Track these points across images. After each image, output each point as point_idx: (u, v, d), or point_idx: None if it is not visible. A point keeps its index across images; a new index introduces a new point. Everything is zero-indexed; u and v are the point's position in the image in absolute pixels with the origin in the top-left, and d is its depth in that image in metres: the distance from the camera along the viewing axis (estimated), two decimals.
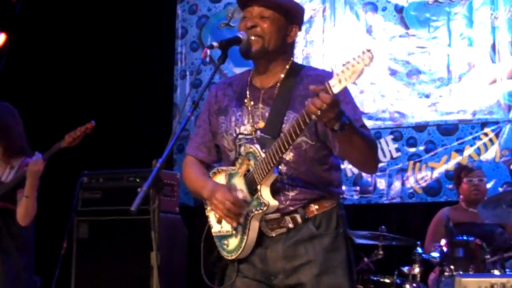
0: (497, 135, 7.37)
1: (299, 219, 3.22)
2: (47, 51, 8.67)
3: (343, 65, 2.78)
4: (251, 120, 3.30)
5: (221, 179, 3.34)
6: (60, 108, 8.48)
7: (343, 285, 3.21)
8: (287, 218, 3.22)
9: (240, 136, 3.30)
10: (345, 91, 3.07)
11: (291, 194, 3.21)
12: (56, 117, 8.29)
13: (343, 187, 7.56)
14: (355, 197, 7.75)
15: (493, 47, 7.50)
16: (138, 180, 6.25)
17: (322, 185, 3.27)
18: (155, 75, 8.73)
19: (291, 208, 3.21)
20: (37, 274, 5.80)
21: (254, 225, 3.19)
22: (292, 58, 3.42)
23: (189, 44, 8.78)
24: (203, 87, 3.25)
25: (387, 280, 6.06)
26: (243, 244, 3.20)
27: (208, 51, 3.20)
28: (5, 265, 5.24)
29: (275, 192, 3.17)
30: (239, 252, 3.22)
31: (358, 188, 7.74)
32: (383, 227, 6.23)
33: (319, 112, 2.81)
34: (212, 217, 3.36)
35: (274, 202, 3.14)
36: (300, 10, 3.42)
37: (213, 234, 3.36)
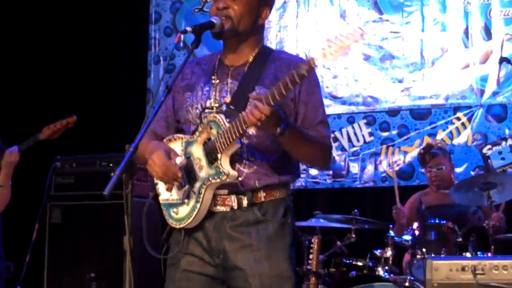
0: (469, 120, 7.44)
1: (244, 202, 3.20)
2: (17, 38, 8.61)
3: (329, 40, 2.80)
4: (218, 94, 3.29)
5: (176, 146, 3.30)
6: (32, 95, 8.44)
7: (285, 271, 3.19)
8: (233, 197, 3.19)
9: (206, 110, 3.28)
10: (307, 89, 3.20)
11: (246, 171, 3.19)
12: (28, 105, 8.27)
13: (316, 171, 7.68)
14: (328, 181, 7.80)
15: (466, 32, 7.56)
16: (111, 165, 6.25)
17: (278, 168, 3.25)
18: (128, 60, 8.70)
19: (241, 188, 3.19)
20: (10, 260, 5.80)
21: (209, 195, 3.15)
22: (262, 41, 3.43)
23: (163, 29, 8.77)
24: (176, 72, 3.26)
25: (359, 263, 6.09)
26: (195, 212, 3.16)
27: (182, 36, 3.21)
28: None
29: (231, 166, 3.15)
30: (189, 220, 3.17)
31: (331, 172, 7.77)
32: (356, 210, 6.26)
33: (259, 123, 2.89)
34: (161, 184, 3.32)
35: (234, 172, 3.12)
36: None
37: (161, 202, 3.33)
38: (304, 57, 3.08)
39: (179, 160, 3.12)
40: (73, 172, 6.43)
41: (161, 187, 3.34)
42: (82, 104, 8.14)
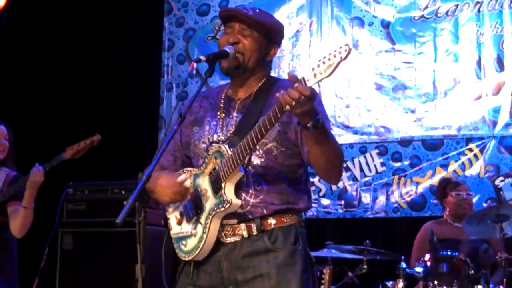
0: (481, 151, 7.41)
1: (254, 230, 3.19)
2: (34, 63, 8.66)
3: (319, 60, 2.82)
4: (224, 128, 3.31)
5: None
6: (46, 120, 8.46)
7: None
8: (243, 225, 3.19)
9: (213, 144, 3.29)
10: (318, 101, 3.13)
11: (252, 201, 3.19)
12: (41, 129, 8.28)
13: (327, 201, 7.66)
14: (340, 211, 7.77)
15: (479, 63, 7.55)
16: (123, 192, 6.25)
17: (286, 197, 3.24)
18: (141, 87, 8.74)
19: (249, 216, 3.19)
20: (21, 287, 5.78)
21: (215, 225, 3.15)
22: (269, 73, 3.46)
23: (176, 57, 8.80)
24: (189, 100, 3.28)
25: None
26: (202, 244, 3.16)
27: (195, 65, 3.22)
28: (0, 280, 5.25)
29: (237, 195, 3.15)
30: (196, 252, 3.18)
31: (343, 202, 7.75)
32: (367, 241, 6.24)
33: (294, 103, 2.82)
34: (172, 219, 3.36)
35: (237, 201, 3.12)
36: (281, 29, 3.44)
37: (172, 237, 3.34)
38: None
39: (182, 177, 3.20)
40: (85, 198, 6.43)
41: (172, 221, 3.36)
42: (95, 130, 8.15)
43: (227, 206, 3.11)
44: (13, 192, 5.28)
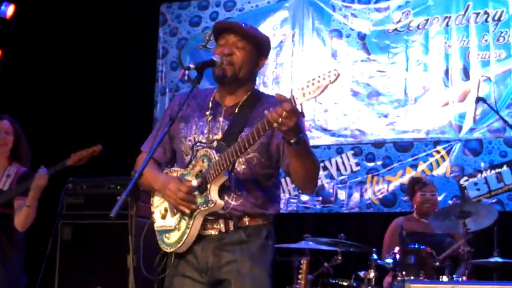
0: (448, 153, 7.45)
1: (231, 226, 3.24)
2: (36, 69, 8.64)
3: (308, 81, 2.83)
4: (210, 131, 3.34)
5: None
6: (45, 122, 8.45)
7: (265, 283, 3.24)
8: (221, 221, 3.24)
9: (197, 144, 3.33)
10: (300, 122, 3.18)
11: (233, 203, 3.25)
12: (40, 131, 8.27)
13: (306, 197, 7.69)
14: (318, 206, 7.79)
15: (446, 72, 7.59)
16: (118, 188, 6.26)
17: (260, 203, 3.30)
18: (137, 92, 8.73)
19: (227, 216, 3.24)
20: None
21: (198, 222, 3.21)
22: (255, 85, 3.49)
23: (169, 64, 8.81)
24: (179, 105, 3.30)
25: (344, 283, 6.08)
26: (184, 238, 3.21)
27: (186, 72, 3.24)
28: (4, 266, 5.24)
29: (220, 197, 3.20)
30: (179, 245, 3.23)
31: (320, 198, 7.77)
32: (342, 234, 6.26)
33: (280, 119, 2.86)
34: (157, 213, 3.40)
35: (220, 201, 3.17)
36: (269, 43, 3.49)
37: (156, 229, 3.39)
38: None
39: (194, 182, 3.18)
40: (83, 193, 6.43)
41: (156, 215, 3.40)
42: (93, 131, 8.16)
43: (211, 206, 3.15)
44: (20, 190, 5.31)
